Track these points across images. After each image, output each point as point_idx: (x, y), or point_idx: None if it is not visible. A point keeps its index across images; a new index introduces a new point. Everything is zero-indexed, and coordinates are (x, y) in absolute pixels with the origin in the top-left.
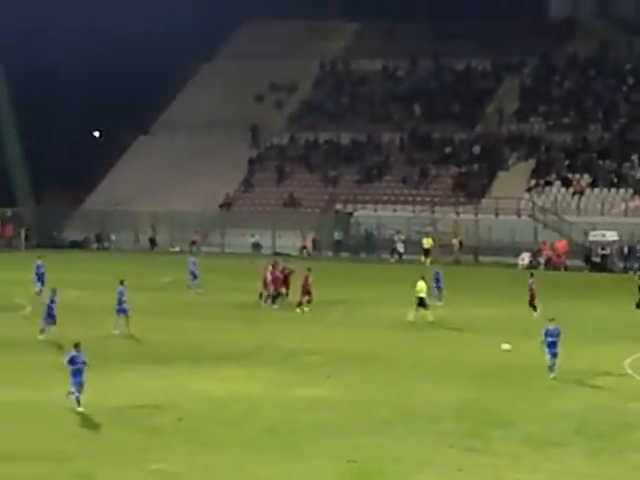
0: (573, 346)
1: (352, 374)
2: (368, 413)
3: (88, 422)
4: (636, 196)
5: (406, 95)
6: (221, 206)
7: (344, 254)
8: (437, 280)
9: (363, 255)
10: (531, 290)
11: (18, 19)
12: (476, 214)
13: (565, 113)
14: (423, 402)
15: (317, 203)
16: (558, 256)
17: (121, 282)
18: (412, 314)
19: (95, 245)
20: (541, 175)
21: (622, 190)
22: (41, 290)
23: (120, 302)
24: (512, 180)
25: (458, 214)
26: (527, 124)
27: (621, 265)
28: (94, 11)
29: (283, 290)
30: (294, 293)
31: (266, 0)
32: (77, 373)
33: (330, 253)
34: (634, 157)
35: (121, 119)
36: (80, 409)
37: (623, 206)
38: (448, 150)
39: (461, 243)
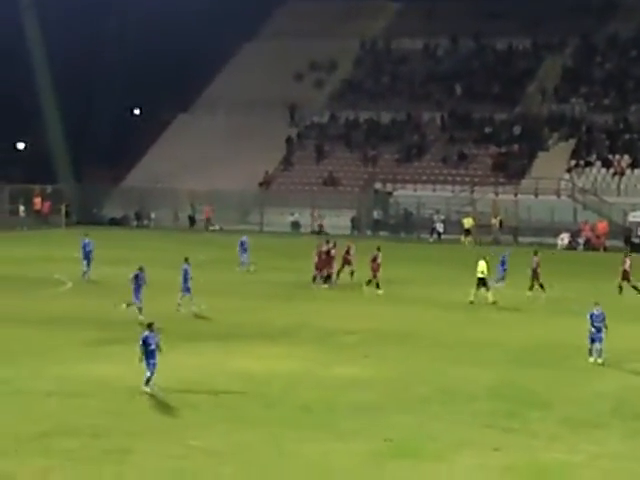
0: (611, 327)
1: (390, 353)
2: (405, 392)
3: (124, 399)
4: None
5: (446, 75)
6: (260, 185)
7: (383, 233)
8: (502, 262)
9: (402, 234)
10: (535, 270)
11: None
12: (516, 194)
13: (606, 94)
14: (460, 382)
15: (356, 182)
16: (597, 237)
17: (185, 260)
18: (472, 294)
19: (135, 223)
20: (581, 156)
21: None
22: (88, 270)
23: (185, 280)
24: (552, 161)
25: (497, 194)
26: (567, 104)
27: None
28: None
29: (332, 269)
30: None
31: None
32: (151, 354)
33: (369, 232)
34: None
35: (161, 97)
36: (149, 390)
37: None
38: (488, 130)
39: (501, 223)
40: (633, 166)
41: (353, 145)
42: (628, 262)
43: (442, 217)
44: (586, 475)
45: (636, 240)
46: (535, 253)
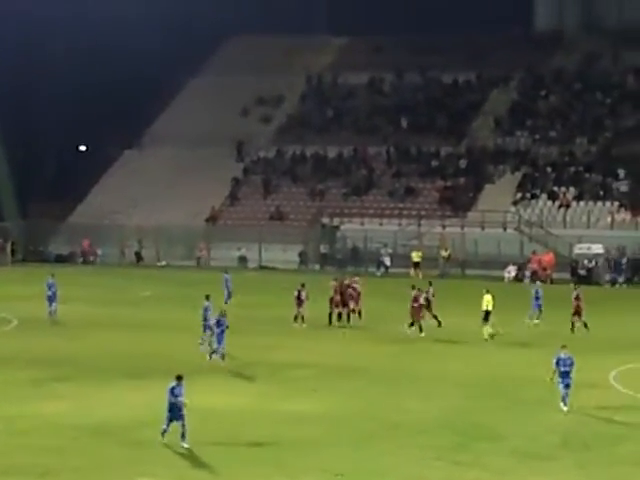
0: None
1: (340, 388)
2: (355, 427)
3: (71, 436)
4: (622, 209)
5: (392, 108)
6: (207, 220)
7: (331, 268)
8: (537, 298)
9: (350, 268)
10: (428, 300)
11: (1, 34)
12: (462, 227)
13: (551, 127)
14: (410, 415)
15: (304, 217)
16: (544, 269)
17: (207, 297)
18: (485, 330)
19: (81, 259)
20: (527, 188)
21: (608, 203)
22: (53, 309)
23: (205, 318)
24: (498, 193)
25: (444, 227)
26: (513, 137)
27: (607, 278)
28: (81, 23)
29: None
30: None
31: (252, 14)
32: (176, 407)
33: (317, 266)
34: (620, 170)
35: (107, 133)
36: (185, 444)
37: (609, 219)
38: (434, 163)
39: (449, 256)
40: (579, 198)
41: (300, 179)
42: (576, 294)
43: (389, 251)
44: None
45: (582, 272)
46: (430, 284)
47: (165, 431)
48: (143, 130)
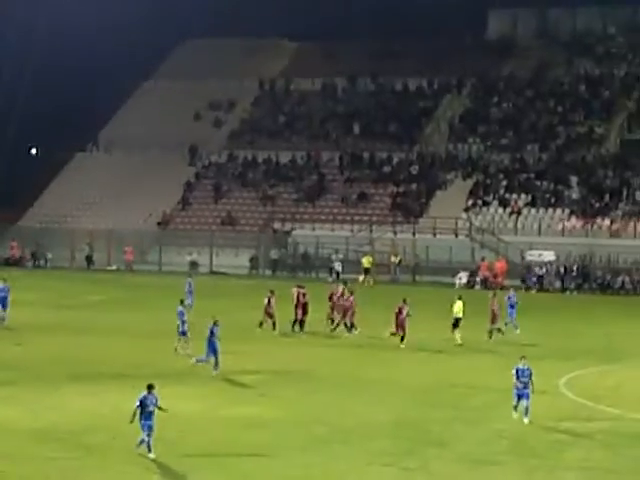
0: (508, 365)
1: (288, 393)
2: (303, 432)
3: (19, 441)
4: (573, 216)
5: (345, 114)
6: (159, 224)
7: (282, 273)
8: (511, 305)
9: (301, 274)
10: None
11: None
12: (414, 233)
13: (503, 134)
14: (359, 421)
15: (255, 222)
16: (495, 276)
17: (181, 302)
18: (457, 337)
19: (30, 263)
20: (479, 195)
21: (559, 210)
22: (4, 315)
23: (183, 323)
24: (450, 200)
25: (396, 233)
26: (465, 144)
27: (558, 285)
28: (32, 27)
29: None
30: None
31: (204, 19)
32: (148, 416)
33: (268, 272)
34: (571, 177)
35: (58, 136)
36: (152, 455)
37: (560, 226)
38: (386, 169)
39: (400, 262)
40: (530, 205)
41: (252, 184)
42: (495, 302)
43: (341, 257)
44: None
45: (533, 279)
46: (404, 301)
47: (143, 441)
48: (95, 133)
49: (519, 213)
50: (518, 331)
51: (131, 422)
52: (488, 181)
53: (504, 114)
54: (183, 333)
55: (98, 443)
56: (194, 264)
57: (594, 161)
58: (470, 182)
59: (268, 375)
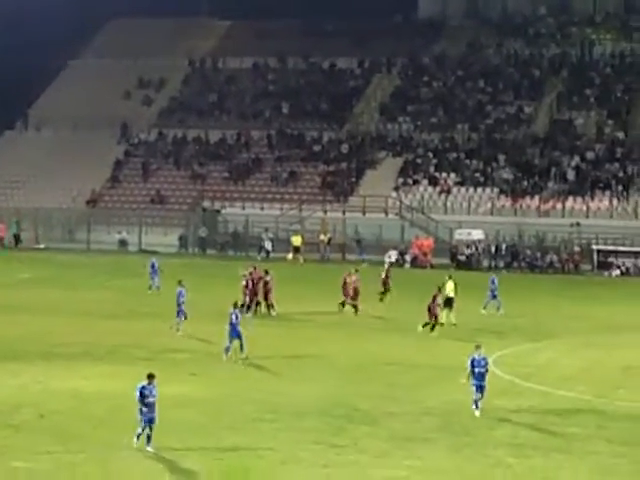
0: (437, 343)
1: (219, 372)
2: (234, 410)
3: None
4: (502, 195)
5: (275, 93)
6: (87, 203)
7: (211, 252)
8: (492, 288)
9: (230, 253)
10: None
11: None
12: (344, 212)
13: (433, 113)
14: (288, 399)
15: (185, 200)
16: (424, 254)
17: (179, 282)
18: (452, 317)
19: None
20: (409, 174)
21: (488, 189)
22: None
23: (179, 303)
24: (380, 179)
25: (326, 212)
26: (395, 123)
27: (486, 263)
28: None
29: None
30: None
31: None
32: (149, 408)
33: (197, 250)
34: (500, 157)
35: None
36: (150, 449)
37: (489, 205)
38: (317, 148)
39: (329, 240)
40: (460, 184)
41: (181, 163)
42: (354, 278)
43: (271, 235)
44: None
45: (462, 257)
46: (356, 271)
47: (139, 435)
48: (24, 111)
49: (449, 192)
50: (501, 311)
51: (141, 414)
52: (418, 160)
53: (434, 94)
54: (181, 312)
55: (26, 422)
56: (123, 243)
57: (523, 141)
58: (400, 161)
59: (199, 354)
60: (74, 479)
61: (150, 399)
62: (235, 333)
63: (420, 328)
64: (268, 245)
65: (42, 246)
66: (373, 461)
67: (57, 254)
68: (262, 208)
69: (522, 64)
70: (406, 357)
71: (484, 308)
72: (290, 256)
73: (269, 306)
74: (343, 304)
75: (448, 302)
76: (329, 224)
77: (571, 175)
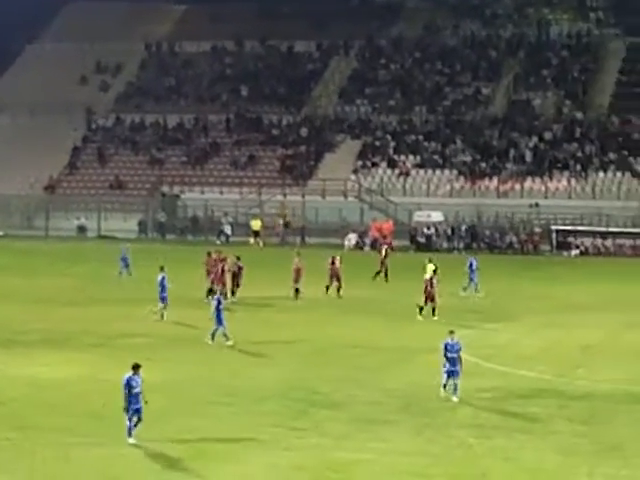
0: (399, 325)
1: (176, 356)
2: (193, 394)
3: None
4: (461, 177)
5: (233, 77)
6: (45, 189)
7: (171, 236)
8: (471, 270)
9: (190, 237)
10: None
11: None
12: (303, 195)
13: (391, 95)
14: (249, 383)
15: (143, 185)
16: (384, 237)
17: (161, 268)
18: (422, 299)
19: None
20: (367, 157)
21: (447, 171)
22: None
23: (162, 289)
24: (339, 162)
25: (285, 195)
26: (353, 106)
27: (445, 245)
28: None
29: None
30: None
31: None
32: (135, 399)
33: (157, 236)
34: (458, 139)
35: None
36: (132, 440)
37: (448, 187)
38: (275, 132)
39: (288, 224)
40: (418, 167)
41: (139, 148)
42: (296, 260)
43: (230, 219)
44: (374, 472)
45: (421, 239)
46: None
47: (131, 425)
48: None
49: (407, 174)
50: (481, 294)
51: (125, 409)
52: (377, 143)
53: (392, 76)
54: (163, 299)
55: None
56: (82, 229)
57: (481, 122)
58: (359, 144)
59: (156, 339)
60: (33, 466)
61: (136, 389)
62: (218, 319)
63: (419, 318)
64: (228, 229)
65: (0, 233)
66: (335, 444)
67: (15, 241)
68: (221, 192)
69: (479, 45)
70: (368, 340)
71: (463, 290)
72: (252, 241)
73: (233, 292)
74: (327, 288)
75: None
76: (288, 207)
77: (529, 156)
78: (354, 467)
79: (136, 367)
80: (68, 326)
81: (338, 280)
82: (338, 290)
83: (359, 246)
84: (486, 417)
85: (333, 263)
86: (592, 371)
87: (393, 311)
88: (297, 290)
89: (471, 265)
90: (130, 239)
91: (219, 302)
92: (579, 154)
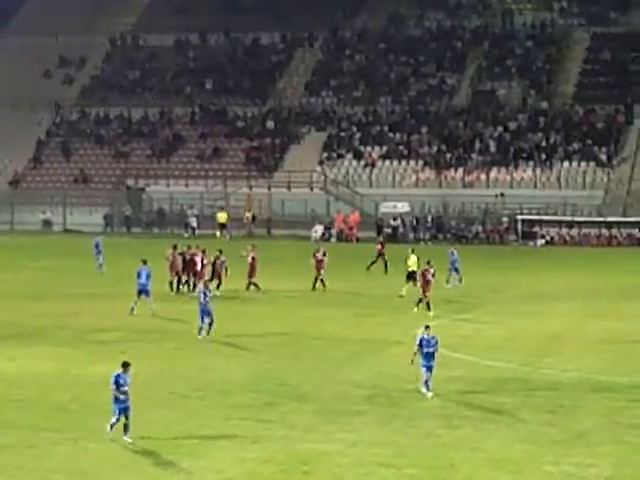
0: (365, 315)
1: (147, 350)
2: (163, 388)
3: None
4: (426, 168)
5: (197, 69)
6: (10, 183)
7: (136, 230)
8: (453, 261)
9: (156, 231)
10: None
11: None
12: (269, 188)
13: (356, 87)
14: (216, 376)
15: (109, 179)
16: (350, 228)
17: (144, 262)
18: (404, 288)
19: None
20: (333, 148)
21: (412, 162)
22: None
23: (141, 283)
24: (304, 153)
25: (251, 188)
26: (318, 98)
27: (412, 235)
28: None
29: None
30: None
31: None
32: (123, 398)
33: (123, 229)
34: (423, 129)
35: None
36: (127, 439)
37: (414, 178)
38: (240, 124)
39: (254, 217)
40: (384, 158)
41: (104, 142)
42: (252, 255)
43: (196, 212)
44: (342, 463)
45: (388, 231)
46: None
47: (114, 424)
48: None
49: (373, 165)
50: (460, 284)
51: (116, 403)
52: (342, 134)
53: (356, 67)
54: (143, 292)
55: None
56: (47, 223)
57: (446, 113)
58: (324, 135)
59: (128, 332)
60: (2, 461)
61: (125, 387)
62: (204, 312)
63: (415, 309)
64: (194, 222)
65: None
66: (303, 436)
67: None
68: (187, 185)
69: (444, 36)
70: (336, 332)
71: (447, 282)
72: (218, 234)
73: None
74: (316, 280)
75: (410, 275)
76: (254, 200)
77: (494, 146)
78: (322, 458)
79: (125, 365)
80: (35, 320)
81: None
82: (315, 281)
83: (325, 238)
84: (453, 407)
85: (315, 256)
86: (558, 360)
87: (361, 303)
88: (254, 284)
89: (452, 255)
90: (96, 233)
91: (205, 295)
92: (544, 144)
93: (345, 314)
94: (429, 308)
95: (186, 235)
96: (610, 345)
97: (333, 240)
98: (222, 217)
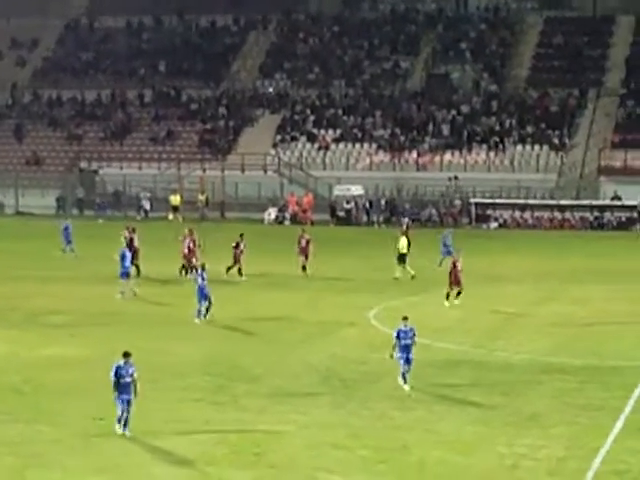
0: (318, 298)
1: (99, 333)
2: None
3: None
4: (380, 151)
5: (151, 52)
6: None
7: (89, 212)
8: (445, 244)
9: (109, 213)
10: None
11: None
12: (222, 170)
13: (310, 69)
14: (169, 358)
15: (61, 161)
16: (304, 211)
17: (127, 246)
18: (397, 271)
19: None
20: (287, 131)
21: (366, 145)
22: None
23: (123, 265)
24: (258, 136)
25: (204, 170)
26: (272, 80)
27: (365, 218)
28: None
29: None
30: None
31: None
32: (124, 389)
33: (76, 212)
34: (377, 113)
35: None
36: (127, 433)
37: (368, 160)
38: (194, 107)
39: (207, 199)
40: (338, 140)
41: (57, 124)
42: (189, 238)
43: (149, 195)
44: (295, 444)
45: (342, 213)
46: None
47: (120, 418)
48: None
49: (327, 148)
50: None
51: (118, 397)
52: (296, 117)
53: (310, 50)
54: (125, 275)
55: None
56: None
57: (400, 96)
58: (278, 118)
59: (79, 315)
60: None
61: (127, 379)
62: (202, 295)
63: (446, 304)
64: (147, 205)
65: None
66: (255, 417)
67: None
68: (140, 168)
69: (398, 19)
70: (289, 314)
71: (440, 265)
72: (171, 216)
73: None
74: (304, 267)
75: (401, 258)
76: (207, 183)
77: (448, 129)
78: (274, 440)
79: (127, 355)
80: None
81: (306, 257)
82: (303, 267)
83: (279, 220)
84: (406, 389)
85: (299, 242)
86: (510, 343)
87: (315, 286)
88: (190, 268)
89: (445, 239)
90: (48, 215)
91: (202, 278)
92: (497, 127)
93: (298, 296)
94: (458, 295)
95: (139, 218)
96: (562, 328)
97: (287, 223)
98: (175, 200)
